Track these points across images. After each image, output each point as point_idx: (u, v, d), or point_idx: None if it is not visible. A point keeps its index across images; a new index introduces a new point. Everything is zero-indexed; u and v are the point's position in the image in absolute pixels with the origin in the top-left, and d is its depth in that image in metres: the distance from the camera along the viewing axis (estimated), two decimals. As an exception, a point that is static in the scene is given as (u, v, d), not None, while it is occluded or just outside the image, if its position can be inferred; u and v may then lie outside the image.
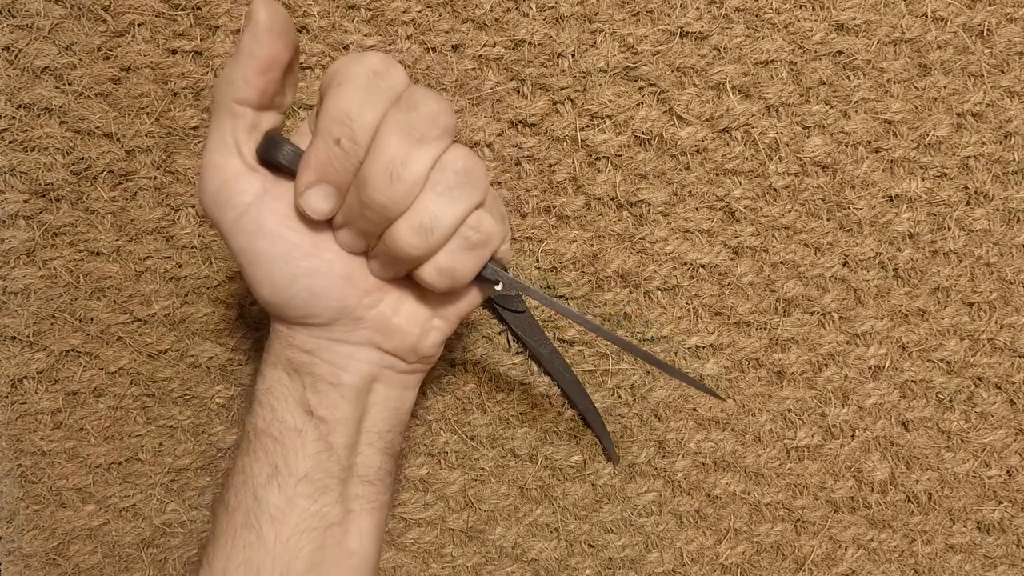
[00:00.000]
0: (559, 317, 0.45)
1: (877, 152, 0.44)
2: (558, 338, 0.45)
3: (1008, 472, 0.48)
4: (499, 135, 0.43)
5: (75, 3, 0.40)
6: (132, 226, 0.43)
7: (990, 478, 0.48)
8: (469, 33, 0.42)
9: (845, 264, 0.46)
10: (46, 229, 0.42)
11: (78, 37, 0.41)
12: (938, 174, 0.45)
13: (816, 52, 0.43)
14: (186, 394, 0.44)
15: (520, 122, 0.43)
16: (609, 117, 0.43)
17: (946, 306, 0.47)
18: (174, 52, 0.41)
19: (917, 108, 0.44)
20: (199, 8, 0.41)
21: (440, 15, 0.42)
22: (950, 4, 0.43)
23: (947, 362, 0.47)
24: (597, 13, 0.42)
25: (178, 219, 0.43)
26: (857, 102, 0.44)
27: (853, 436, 0.47)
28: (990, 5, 0.43)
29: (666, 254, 0.45)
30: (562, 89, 0.43)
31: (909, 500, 0.48)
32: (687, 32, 0.42)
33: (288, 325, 0.32)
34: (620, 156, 0.43)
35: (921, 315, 0.47)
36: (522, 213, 0.44)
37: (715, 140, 0.44)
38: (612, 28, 0.42)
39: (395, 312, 0.33)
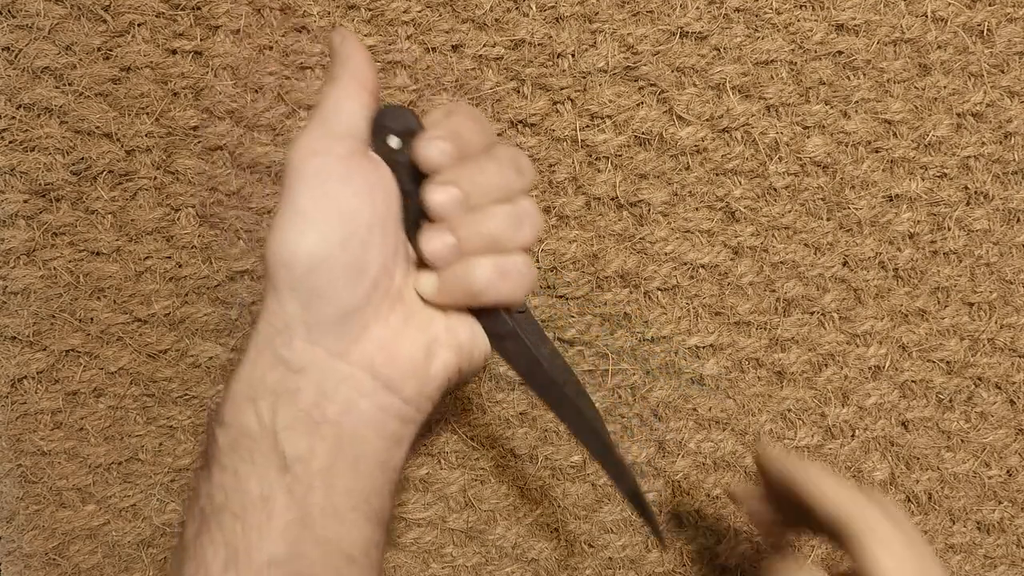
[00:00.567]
0: (559, 316, 0.45)
1: (877, 152, 0.44)
2: (558, 338, 0.45)
3: (1008, 472, 0.48)
4: (499, 135, 0.43)
5: (75, 3, 0.40)
6: (132, 226, 0.43)
7: (990, 478, 0.48)
8: (469, 33, 0.42)
9: (845, 264, 0.46)
10: (46, 229, 0.42)
11: (78, 37, 0.41)
12: (938, 174, 0.45)
13: (816, 52, 0.43)
14: (186, 394, 0.44)
15: (520, 122, 0.43)
16: (609, 117, 0.43)
17: (946, 306, 0.47)
18: (174, 52, 0.41)
19: (917, 108, 0.44)
20: (199, 8, 0.41)
21: (440, 15, 0.42)
22: (950, 4, 0.43)
23: (947, 362, 0.47)
24: (597, 13, 0.42)
25: (178, 219, 0.43)
26: (857, 102, 0.44)
27: (853, 436, 0.47)
28: (990, 5, 0.43)
29: (666, 254, 0.45)
30: (562, 89, 0.43)
31: (909, 500, 0.48)
32: (687, 32, 0.42)
33: (289, 321, 0.27)
34: (620, 156, 0.43)
35: (921, 315, 0.47)
36: (522, 213, 0.44)
37: (715, 140, 0.44)
38: (612, 28, 0.42)
39: (403, 328, 0.29)
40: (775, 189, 0.44)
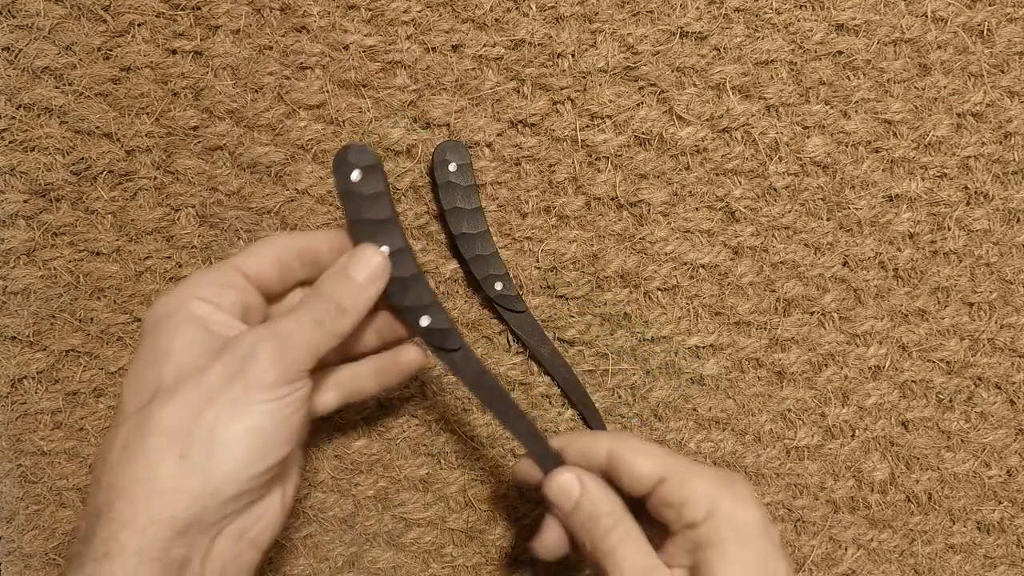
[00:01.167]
0: (559, 316, 0.45)
1: (877, 152, 0.44)
2: (558, 338, 0.45)
3: (1008, 472, 0.48)
4: (499, 135, 0.43)
5: (75, 3, 0.40)
6: (132, 226, 0.43)
7: (990, 478, 0.48)
8: (469, 33, 0.42)
9: (845, 264, 0.46)
10: (46, 229, 0.42)
11: (78, 37, 0.41)
12: (938, 174, 0.45)
13: (816, 52, 0.43)
14: (186, 394, 0.44)
15: (520, 122, 0.43)
16: (609, 117, 0.43)
17: (946, 306, 0.47)
18: (174, 52, 0.41)
19: (917, 108, 0.44)
20: (199, 8, 0.41)
21: (440, 15, 0.42)
22: (950, 4, 0.43)
23: (947, 362, 0.47)
24: (597, 13, 0.42)
25: (178, 219, 0.43)
26: (857, 102, 0.44)
27: (853, 436, 0.47)
28: (990, 5, 0.43)
29: (666, 254, 0.45)
30: (562, 89, 0.43)
31: (909, 500, 0.48)
32: (687, 32, 0.42)
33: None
34: (620, 156, 0.43)
35: (921, 315, 0.47)
36: (522, 213, 0.44)
37: (715, 140, 0.44)
38: (612, 28, 0.42)
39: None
40: (775, 189, 0.44)
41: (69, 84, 0.41)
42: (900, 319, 0.46)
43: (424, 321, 0.35)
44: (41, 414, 0.43)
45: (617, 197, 0.44)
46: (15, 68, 0.40)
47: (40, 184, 0.41)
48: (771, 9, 0.42)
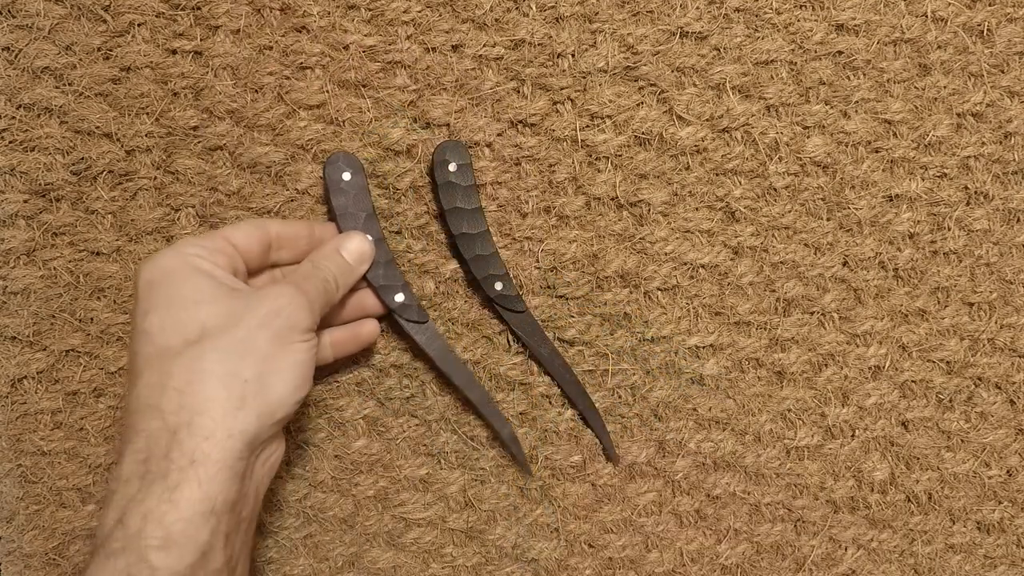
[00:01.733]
0: (559, 316, 0.45)
1: (877, 152, 0.44)
2: (558, 338, 0.45)
3: (1008, 472, 0.48)
4: (499, 135, 0.43)
5: (75, 3, 0.40)
6: (132, 226, 0.43)
7: (990, 478, 0.48)
8: (469, 33, 0.42)
9: (845, 264, 0.46)
10: (46, 229, 0.42)
11: (78, 37, 0.41)
12: (938, 174, 0.45)
13: (816, 52, 0.43)
14: (186, 394, 0.44)
15: (520, 122, 0.43)
16: (609, 117, 0.43)
17: (946, 306, 0.47)
18: (174, 52, 0.41)
19: (917, 108, 0.44)
20: (199, 8, 0.41)
21: (440, 15, 0.42)
22: (950, 4, 0.43)
23: (947, 362, 0.47)
24: (597, 13, 0.42)
25: (178, 219, 0.43)
26: (857, 102, 0.44)
27: (853, 436, 0.47)
28: (990, 5, 0.43)
29: (666, 254, 0.45)
30: (562, 89, 0.43)
31: (909, 500, 0.48)
32: (687, 32, 0.42)
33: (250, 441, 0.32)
34: (620, 156, 0.43)
35: (921, 315, 0.47)
36: (522, 213, 0.44)
37: (715, 140, 0.44)
38: (612, 28, 0.42)
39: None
40: (775, 189, 0.44)
41: (69, 84, 0.41)
42: (900, 319, 0.46)
43: (398, 297, 0.42)
44: (41, 414, 0.43)
45: (617, 197, 0.44)
46: (15, 68, 0.40)
47: (40, 184, 0.41)
48: (771, 9, 0.42)
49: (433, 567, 0.46)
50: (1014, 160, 0.45)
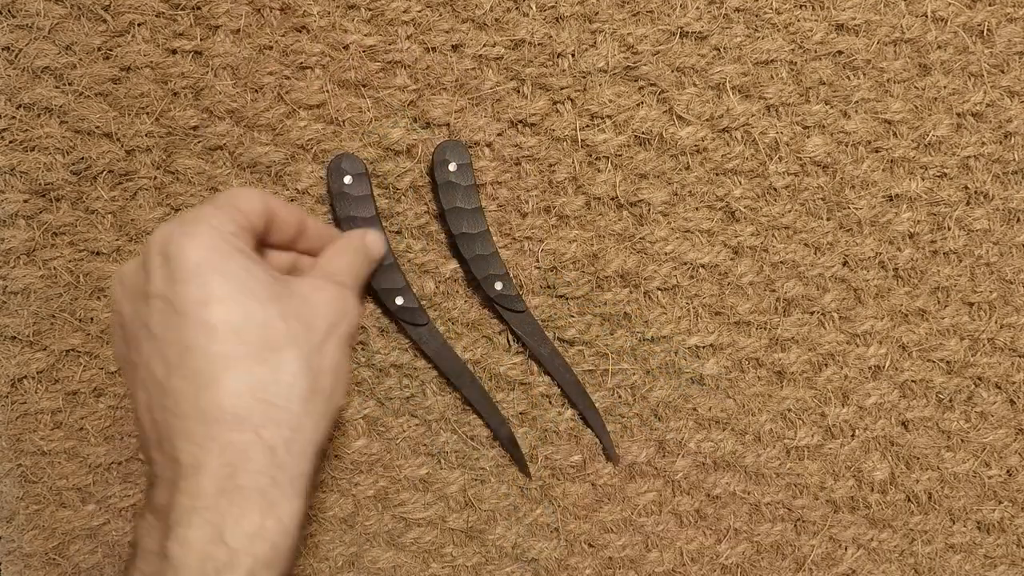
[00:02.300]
0: (559, 316, 0.45)
1: (877, 152, 0.44)
2: (558, 338, 0.45)
3: (1008, 472, 0.48)
4: (499, 135, 0.43)
5: (75, 3, 0.40)
6: (132, 226, 0.43)
7: (990, 478, 0.48)
8: (469, 33, 0.42)
9: (845, 264, 0.46)
10: (46, 229, 0.42)
11: (78, 37, 0.41)
12: (938, 174, 0.45)
13: (816, 52, 0.43)
14: (186, 394, 0.44)
15: (520, 122, 0.43)
16: (609, 117, 0.43)
17: (946, 306, 0.47)
18: (174, 52, 0.41)
19: (917, 108, 0.44)
20: (199, 8, 0.41)
21: (440, 15, 0.42)
22: (950, 4, 0.43)
23: (947, 362, 0.47)
24: (597, 13, 0.42)
25: (178, 219, 0.43)
26: (857, 102, 0.44)
27: (853, 436, 0.47)
28: (990, 5, 0.43)
29: (666, 254, 0.45)
30: (562, 89, 0.43)
31: (909, 500, 0.48)
32: (687, 32, 0.42)
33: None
34: (620, 156, 0.43)
35: (921, 315, 0.47)
36: (522, 213, 0.44)
37: (715, 140, 0.44)
38: (612, 28, 0.42)
39: None
40: (775, 189, 0.44)
41: (69, 84, 0.41)
42: (900, 319, 0.46)
43: (398, 300, 0.43)
44: (41, 414, 0.43)
45: (617, 197, 0.44)
46: (15, 68, 0.40)
47: (40, 184, 0.41)
48: (771, 9, 0.42)
49: (433, 567, 0.46)
50: (1014, 160, 0.45)
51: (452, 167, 0.42)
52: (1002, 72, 0.44)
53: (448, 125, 0.43)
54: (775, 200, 0.44)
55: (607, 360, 0.45)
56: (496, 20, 0.42)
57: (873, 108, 0.44)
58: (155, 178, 0.42)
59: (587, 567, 0.47)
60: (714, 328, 0.46)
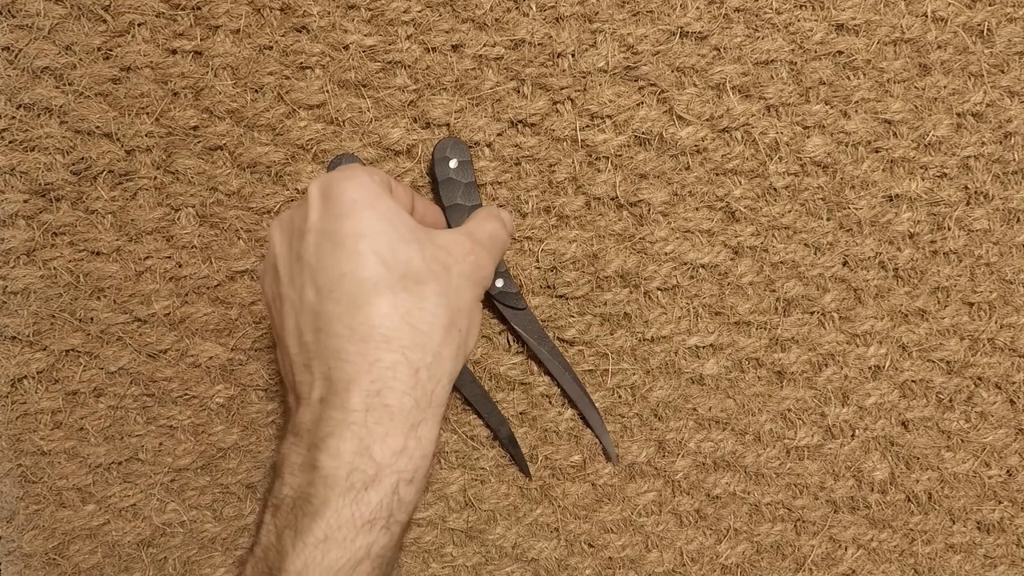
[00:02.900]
0: (559, 316, 0.45)
1: (877, 152, 0.44)
2: (558, 338, 0.45)
3: (1008, 472, 0.48)
4: (499, 135, 0.43)
5: (75, 3, 0.40)
6: (132, 226, 0.43)
7: (990, 478, 0.48)
8: (469, 33, 0.42)
9: (845, 264, 0.46)
10: (46, 229, 0.42)
11: (78, 37, 0.41)
12: (938, 174, 0.45)
13: (816, 52, 0.43)
14: (186, 394, 0.44)
15: (520, 122, 0.43)
16: (609, 117, 0.43)
17: (946, 306, 0.47)
18: (174, 52, 0.41)
19: (917, 108, 0.44)
20: (199, 8, 0.41)
21: (440, 15, 0.42)
22: (950, 4, 0.43)
23: (947, 362, 0.47)
24: (597, 13, 0.42)
25: (178, 219, 0.43)
26: (857, 102, 0.44)
27: (853, 436, 0.47)
28: (990, 5, 0.43)
29: (666, 254, 0.45)
30: (562, 89, 0.43)
31: (909, 500, 0.48)
32: (687, 32, 0.42)
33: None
34: (620, 156, 0.43)
35: (921, 315, 0.47)
36: (522, 213, 0.44)
37: (715, 140, 0.44)
38: (612, 28, 0.42)
39: None
40: (775, 189, 0.44)
41: (69, 84, 0.41)
42: (900, 319, 0.46)
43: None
44: (41, 414, 0.43)
45: (617, 197, 0.44)
46: (15, 68, 0.40)
47: (40, 184, 0.41)
48: (771, 9, 0.42)
49: (433, 567, 0.46)
50: (1014, 160, 0.45)
51: (452, 164, 0.42)
52: (1002, 72, 0.44)
53: (448, 125, 0.43)
54: (775, 200, 0.44)
55: (607, 360, 0.45)
56: (496, 20, 0.42)
57: (873, 108, 0.44)
58: (155, 178, 0.42)
59: (587, 567, 0.47)
60: (714, 328, 0.46)
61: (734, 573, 0.48)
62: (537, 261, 0.44)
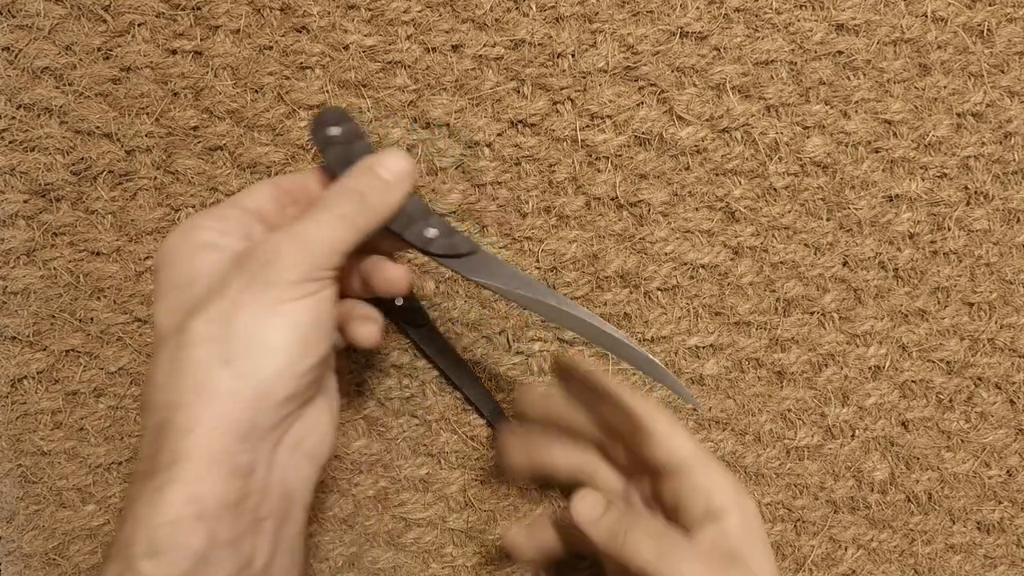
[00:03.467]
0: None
1: (877, 152, 0.44)
2: (558, 338, 0.45)
3: (1008, 472, 0.48)
4: (499, 135, 0.43)
5: (75, 3, 0.40)
6: (132, 226, 0.43)
7: (990, 478, 0.48)
8: (469, 33, 0.42)
9: (845, 264, 0.46)
10: (46, 229, 0.42)
11: (78, 37, 0.41)
12: (938, 174, 0.45)
13: (816, 52, 0.43)
14: (186, 394, 0.44)
15: (520, 122, 0.43)
16: (609, 117, 0.43)
17: (946, 306, 0.47)
18: (174, 52, 0.41)
19: (917, 108, 0.44)
20: (199, 8, 0.41)
21: (440, 15, 0.42)
22: (950, 4, 0.43)
23: (947, 362, 0.47)
24: (597, 13, 0.42)
25: (178, 219, 0.43)
26: (857, 102, 0.44)
27: (853, 436, 0.47)
28: (990, 5, 0.43)
29: (666, 254, 0.45)
30: (562, 89, 0.43)
31: (909, 500, 0.48)
32: (687, 32, 0.42)
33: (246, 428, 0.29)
34: (620, 156, 0.43)
35: (921, 315, 0.47)
36: (522, 213, 0.44)
37: (715, 140, 0.44)
38: (612, 28, 0.42)
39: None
40: (775, 189, 0.44)
41: (69, 84, 0.41)
42: (900, 319, 0.46)
43: (398, 300, 0.40)
44: (41, 414, 0.43)
45: (617, 197, 0.44)
46: (15, 68, 0.40)
47: (40, 184, 0.41)
48: (771, 9, 0.42)
49: (433, 567, 0.46)
50: (1014, 160, 0.45)
51: (334, 131, 0.35)
52: (1002, 72, 0.44)
53: (448, 125, 0.43)
54: (775, 200, 0.44)
55: (607, 360, 0.45)
56: (496, 20, 0.42)
57: (873, 108, 0.44)
58: (155, 178, 0.42)
59: (587, 567, 0.47)
60: (714, 328, 0.46)
61: (734, 573, 0.48)
62: (537, 261, 0.44)
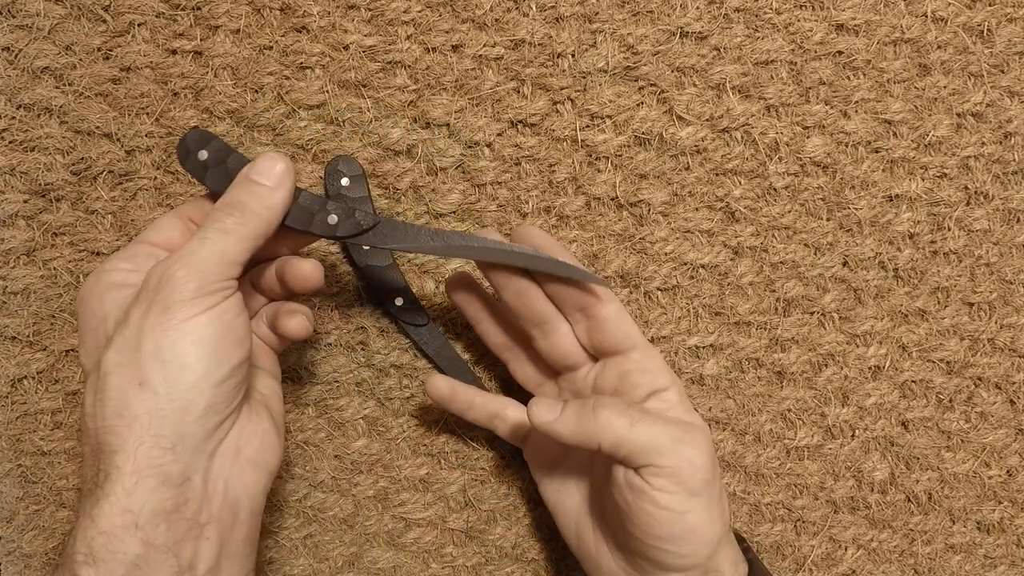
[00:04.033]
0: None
1: (877, 152, 0.44)
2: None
3: (1008, 472, 0.48)
4: (499, 135, 0.43)
5: (75, 3, 0.40)
6: (132, 226, 0.43)
7: (990, 478, 0.48)
8: (469, 33, 0.42)
9: (845, 264, 0.46)
10: (46, 229, 0.42)
11: (78, 37, 0.41)
12: (938, 174, 0.45)
13: (816, 52, 0.43)
14: (186, 394, 0.44)
15: (520, 122, 0.43)
16: (609, 117, 0.43)
17: (946, 306, 0.47)
18: (174, 52, 0.41)
19: (917, 108, 0.44)
20: (199, 8, 0.41)
21: (440, 15, 0.42)
22: (950, 4, 0.43)
23: (947, 362, 0.47)
24: (597, 13, 0.42)
25: (178, 219, 0.43)
26: (857, 102, 0.44)
27: (853, 436, 0.47)
28: (990, 5, 0.43)
29: (666, 254, 0.45)
30: (562, 89, 0.43)
31: (909, 500, 0.48)
32: (687, 32, 0.42)
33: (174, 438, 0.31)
34: (620, 156, 0.43)
35: (921, 315, 0.47)
36: (522, 213, 0.44)
37: (715, 140, 0.44)
38: (612, 28, 0.42)
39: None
40: (775, 189, 0.44)
41: (69, 84, 0.41)
42: (900, 319, 0.46)
43: (398, 300, 0.42)
44: (41, 414, 0.43)
45: (617, 197, 0.44)
46: (15, 68, 0.40)
47: (40, 184, 0.41)
48: (771, 9, 0.42)
49: (433, 567, 0.46)
50: (1014, 160, 0.45)
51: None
52: (1002, 72, 0.44)
53: (448, 125, 0.43)
54: (775, 200, 0.44)
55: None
56: (496, 20, 0.42)
57: (873, 108, 0.44)
58: (155, 178, 0.42)
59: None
60: (714, 328, 0.46)
61: (734, 573, 0.48)
62: (537, 261, 0.44)
